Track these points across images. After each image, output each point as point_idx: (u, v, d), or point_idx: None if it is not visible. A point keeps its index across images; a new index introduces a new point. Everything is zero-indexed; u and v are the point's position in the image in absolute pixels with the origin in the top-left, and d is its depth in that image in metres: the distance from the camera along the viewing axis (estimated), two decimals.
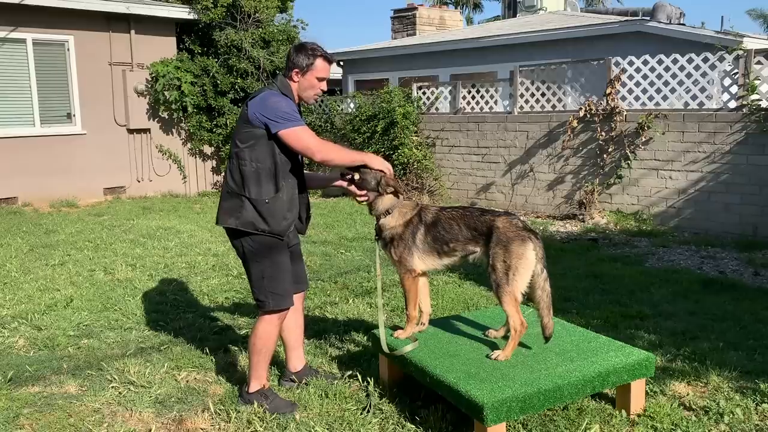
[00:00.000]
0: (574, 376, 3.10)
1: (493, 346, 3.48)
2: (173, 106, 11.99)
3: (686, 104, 8.50)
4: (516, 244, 3.32)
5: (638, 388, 3.34)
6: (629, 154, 8.76)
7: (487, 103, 10.92)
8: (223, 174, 12.61)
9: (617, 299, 5.39)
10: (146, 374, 3.89)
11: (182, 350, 4.29)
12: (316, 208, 9.84)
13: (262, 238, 3.29)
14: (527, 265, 3.33)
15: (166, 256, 7.16)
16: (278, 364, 3.91)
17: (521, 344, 3.40)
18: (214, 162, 13.11)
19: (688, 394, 3.55)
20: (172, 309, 5.25)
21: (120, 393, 3.68)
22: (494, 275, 3.33)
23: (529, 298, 3.46)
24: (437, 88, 11.76)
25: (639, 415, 3.30)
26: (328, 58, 3.41)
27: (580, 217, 9.04)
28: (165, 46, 12.22)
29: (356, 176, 3.47)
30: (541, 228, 8.71)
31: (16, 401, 3.57)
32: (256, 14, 12.53)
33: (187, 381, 3.84)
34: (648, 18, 12.45)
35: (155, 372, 3.93)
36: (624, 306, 5.19)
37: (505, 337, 3.52)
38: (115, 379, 3.84)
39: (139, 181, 12.16)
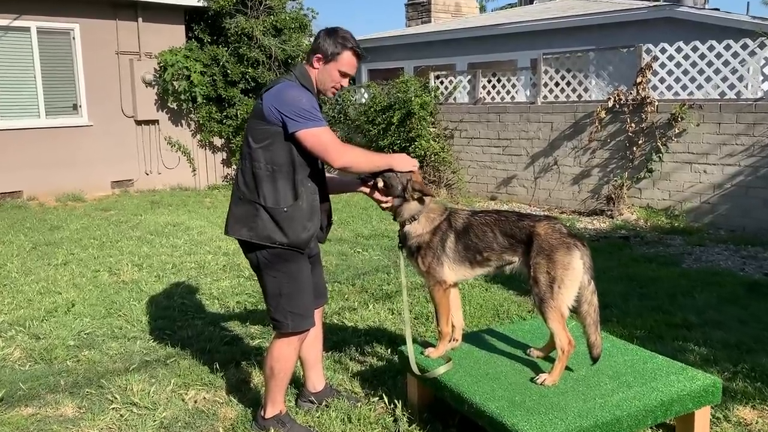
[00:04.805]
0: (634, 406, 2.72)
1: (536, 367, 3.11)
2: (182, 97, 11.60)
3: (723, 94, 8.02)
4: (561, 253, 2.95)
5: (703, 417, 2.96)
6: (661, 146, 8.29)
7: (508, 92, 10.46)
8: (234, 169, 12.31)
9: (659, 305, 4.99)
10: (150, 393, 3.54)
11: (190, 364, 3.94)
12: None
13: (279, 251, 2.89)
14: (574, 277, 2.97)
15: (175, 254, 6.81)
16: (295, 381, 3.54)
17: (566, 366, 3.02)
18: (225, 154, 12.75)
19: (756, 422, 3.16)
20: (179, 315, 4.91)
21: (121, 416, 3.33)
22: (537, 288, 2.96)
23: (573, 312, 3.08)
24: (455, 78, 11.30)
25: None
26: (359, 53, 2.96)
27: (608, 212, 8.60)
28: (173, 35, 11.82)
29: (380, 183, 3.09)
30: (567, 225, 8.26)
31: (7, 426, 3.23)
32: (267, 1, 12.11)
33: (196, 401, 3.49)
34: (677, 3, 11.93)
35: (160, 390, 3.59)
36: (667, 313, 4.79)
37: (548, 358, 3.15)
38: (116, 398, 3.49)
39: (147, 174, 11.82)
